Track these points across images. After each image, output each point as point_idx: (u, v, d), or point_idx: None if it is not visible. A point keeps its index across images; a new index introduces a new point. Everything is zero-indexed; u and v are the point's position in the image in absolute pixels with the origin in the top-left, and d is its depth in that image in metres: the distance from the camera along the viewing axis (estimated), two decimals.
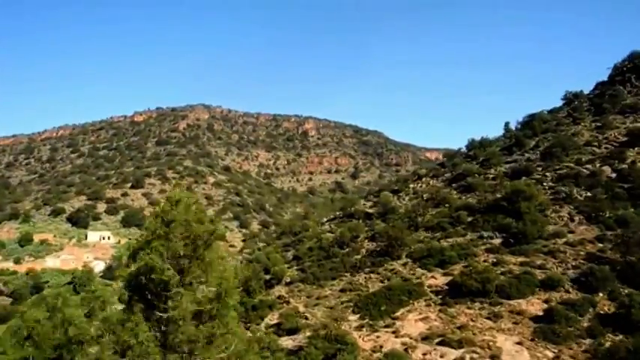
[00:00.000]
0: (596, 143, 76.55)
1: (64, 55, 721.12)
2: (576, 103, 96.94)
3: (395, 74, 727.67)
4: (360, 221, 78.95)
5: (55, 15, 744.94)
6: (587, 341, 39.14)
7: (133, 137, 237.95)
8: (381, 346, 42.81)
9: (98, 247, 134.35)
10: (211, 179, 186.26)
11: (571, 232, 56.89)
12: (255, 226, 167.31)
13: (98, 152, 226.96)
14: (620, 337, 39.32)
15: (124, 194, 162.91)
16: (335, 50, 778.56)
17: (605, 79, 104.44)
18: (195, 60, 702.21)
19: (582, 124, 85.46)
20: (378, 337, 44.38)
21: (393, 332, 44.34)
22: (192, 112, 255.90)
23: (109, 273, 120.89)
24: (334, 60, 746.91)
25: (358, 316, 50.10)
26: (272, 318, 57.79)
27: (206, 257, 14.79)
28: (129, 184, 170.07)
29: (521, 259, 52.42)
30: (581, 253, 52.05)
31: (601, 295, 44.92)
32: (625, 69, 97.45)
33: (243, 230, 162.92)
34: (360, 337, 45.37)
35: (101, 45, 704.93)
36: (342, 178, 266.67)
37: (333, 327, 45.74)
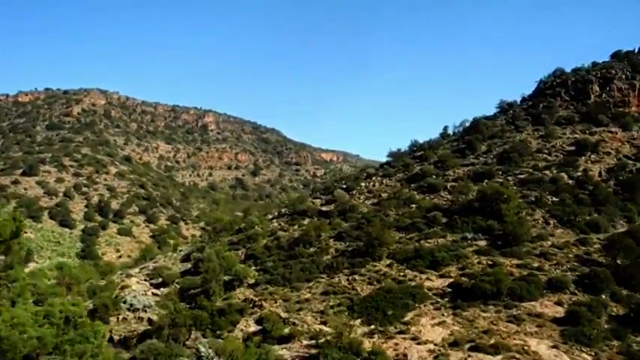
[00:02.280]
0: (546, 151, 79.56)
1: None
2: (512, 112, 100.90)
3: (294, 72, 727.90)
4: (316, 219, 75.40)
5: None
6: (615, 343, 38.96)
7: (18, 119, 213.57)
8: (405, 355, 39.69)
9: None
10: (113, 169, 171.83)
11: (551, 235, 57.77)
12: (163, 221, 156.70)
13: None
14: None
15: (15, 182, 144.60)
16: (233, 44, 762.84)
17: (530, 92, 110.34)
18: (90, 40, 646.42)
19: (525, 132, 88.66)
20: (396, 344, 41.15)
21: (413, 339, 41.34)
22: (88, 96, 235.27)
23: (4, 272, 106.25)
24: (232, 54, 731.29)
25: (359, 321, 46.58)
26: (247, 324, 52.37)
27: None
28: (19, 171, 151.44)
29: (515, 261, 51.97)
30: (570, 255, 52.80)
31: (603, 297, 45.44)
32: (555, 83, 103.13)
33: (151, 225, 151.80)
34: (373, 344, 41.91)
35: None
36: (243, 175, 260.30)
37: (347, 334, 41.90)
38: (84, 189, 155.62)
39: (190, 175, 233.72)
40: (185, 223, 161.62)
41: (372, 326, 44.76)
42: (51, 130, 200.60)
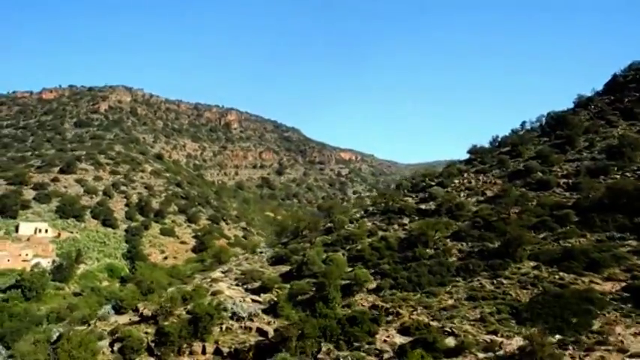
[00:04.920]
0: None
1: None
2: (594, 106, 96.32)
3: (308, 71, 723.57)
4: (418, 218, 70.85)
5: None
6: None
7: (45, 116, 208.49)
8: None
9: (34, 242, 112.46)
10: (148, 167, 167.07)
11: None
12: (204, 221, 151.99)
13: (1, 130, 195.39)
14: None
15: (54, 180, 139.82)
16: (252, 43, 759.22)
17: (601, 87, 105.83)
18: (109, 37, 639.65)
19: (620, 126, 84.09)
20: (602, 357, 36.53)
21: (620, 350, 36.71)
22: (113, 93, 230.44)
23: (59, 273, 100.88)
24: (253, 53, 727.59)
25: (534, 330, 41.89)
26: (390, 335, 47.45)
27: None
28: (56, 168, 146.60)
29: None
30: None
31: None
32: (638, 77, 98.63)
33: (193, 225, 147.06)
34: (572, 358, 37.33)
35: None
36: (268, 174, 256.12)
37: (547, 346, 37.23)
38: (122, 187, 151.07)
39: (218, 174, 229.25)
40: (226, 223, 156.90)
41: (558, 336, 40.16)
42: (79, 128, 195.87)
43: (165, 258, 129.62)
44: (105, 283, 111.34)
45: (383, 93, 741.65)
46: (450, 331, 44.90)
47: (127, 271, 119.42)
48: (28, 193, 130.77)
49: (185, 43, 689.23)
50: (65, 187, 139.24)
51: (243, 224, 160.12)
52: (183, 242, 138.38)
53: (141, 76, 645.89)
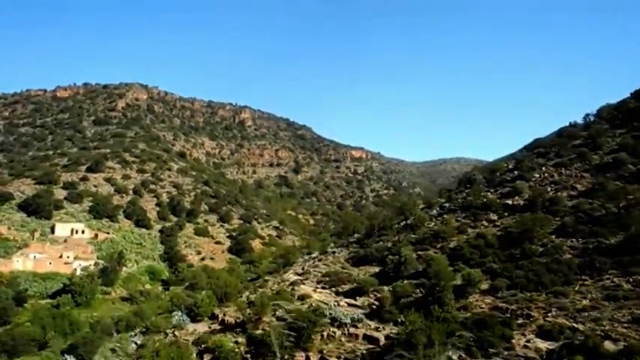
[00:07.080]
0: None
1: None
2: None
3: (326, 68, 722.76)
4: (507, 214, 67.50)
5: None
6: None
7: (62, 114, 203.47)
8: None
9: (72, 243, 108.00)
10: (174, 166, 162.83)
11: None
12: (236, 220, 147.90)
13: (18, 129, 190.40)
14: None
15: (83, 178, 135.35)
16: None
17: None
18: (125, 34, 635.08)
19: None
20: None
21: None
22: (130, 90, 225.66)
23: (104, 277, 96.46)
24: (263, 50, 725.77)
25: None
26: (530, 340, 43.56)
27: None
28: (83, 167, 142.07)
29: None
30: None
31: None
32: None
33: (226, 225, 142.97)
34: None
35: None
36: (285, 172, 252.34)
37: None
38: (151, 186, 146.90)
39: (237, 173, 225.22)
40: (258, 222, 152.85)
41: None
42: (98, 126, 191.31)
43: (203, 259, 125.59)
44: (147, 286, 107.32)
45: (385, 92, 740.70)
46: (603, 334, 41.46)
47: (167, 273, 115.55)
48: (59, 193, 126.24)
49: (196, 41, 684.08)
50: (95, 186, 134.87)
51: (274, 223, 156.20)
52: (218, 242, 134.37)
53: (150, 73, 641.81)
